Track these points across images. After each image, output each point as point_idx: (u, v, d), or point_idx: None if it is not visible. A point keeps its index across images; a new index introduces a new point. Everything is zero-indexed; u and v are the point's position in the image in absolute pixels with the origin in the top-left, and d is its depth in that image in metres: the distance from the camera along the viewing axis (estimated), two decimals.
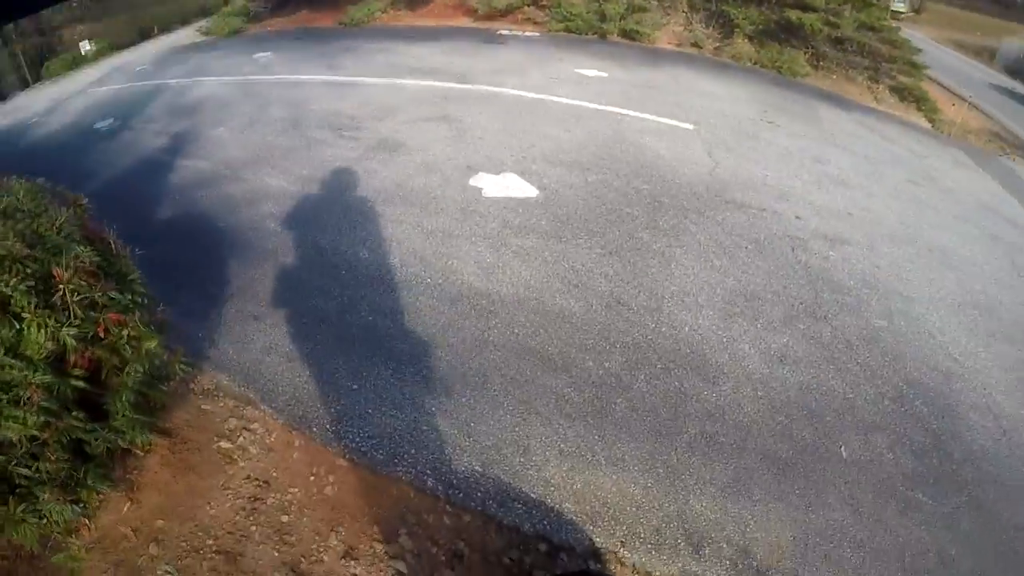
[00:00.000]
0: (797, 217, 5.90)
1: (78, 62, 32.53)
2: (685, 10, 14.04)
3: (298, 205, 5.71)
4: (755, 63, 12.53)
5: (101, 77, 19.27)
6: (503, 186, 5.77)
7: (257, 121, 8.54)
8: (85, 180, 7.82)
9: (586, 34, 13.35)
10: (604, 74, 9.95)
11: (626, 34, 13.24)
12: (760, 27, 13.11)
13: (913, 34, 16.75)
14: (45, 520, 2.29)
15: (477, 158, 6.41)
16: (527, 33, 13.71)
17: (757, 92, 10.31)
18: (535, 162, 6.29)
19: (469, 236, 4.95)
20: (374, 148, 6.84)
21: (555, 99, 8.46)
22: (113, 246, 2.88)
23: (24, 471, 2.23)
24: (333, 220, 5.33)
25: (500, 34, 13.67)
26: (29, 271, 2.34)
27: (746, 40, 13.08)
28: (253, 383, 3.63)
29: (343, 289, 4.37)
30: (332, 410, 3.46)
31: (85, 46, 33.88)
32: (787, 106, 9.85)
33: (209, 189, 6.41)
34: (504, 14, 14.84)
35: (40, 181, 3.08)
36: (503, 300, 4.27)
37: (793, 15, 12.55)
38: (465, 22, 15.22)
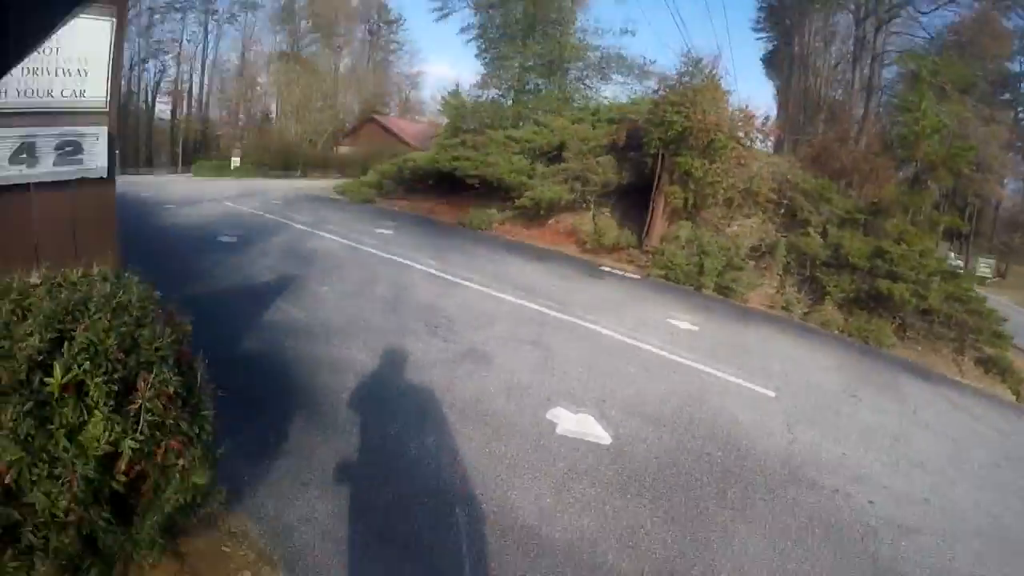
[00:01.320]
0: (870, 502, 5.72)
1: (223, 170, 36.41)
2: (780, 273, 14.54)
3: (379, 387, 6.04)
4: (842, 331, 12.71)
5: (240, 195, 21.20)
6: (578, 426, 5.90)
7: (361, 293, 9.32)
8: (191, 280, 8.80)
9: (683, 283, 13.95)
10: (695, 327, 10.32)
11: (721, 289, 13.80)
12: (850, 295, 13.42)
13: (997, 299, 16.67)
14: None
15: (558, 391, 6.62)
16: (627, 273, 14.39)
17: (842, 361, 10.39)
18: (614, 408, 6.44)
19: (534, 472, 5.04)
20: (462, 355, 7.24)
21: (644, 346, 8.77)
22: (199, 378, 3.12)
23: (33, 538, 2.36)
24: (407, 415, 5.55)
25: (602, 269, 14.41)
26: (116, 375, 2.61)
27: (835, 307, 13.35)
28: (280, 546, 3.69)
29: (398, 488, 4.46)
30: None
31: (235, 160, 38.20)
32: (871, 377, 9.83)
33: (299, 341, 6.91)
34: (609, 250, 15.82)
35: (156, 293, 3.39)
36: (553, 545, 4.25)
37: (883, 285, 12.85)
38: (572, 250, 16.21)
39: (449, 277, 11.14)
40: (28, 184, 3.98)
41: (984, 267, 30.99)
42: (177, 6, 59.89)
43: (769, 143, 21.23)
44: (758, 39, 53.33)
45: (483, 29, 29.57)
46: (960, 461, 7.31)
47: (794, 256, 14.69)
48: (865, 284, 13.47)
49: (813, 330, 12.62)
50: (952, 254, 30.03)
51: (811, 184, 16.26)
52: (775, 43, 51.22)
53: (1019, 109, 43.66)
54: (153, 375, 2.70)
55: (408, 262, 12.05)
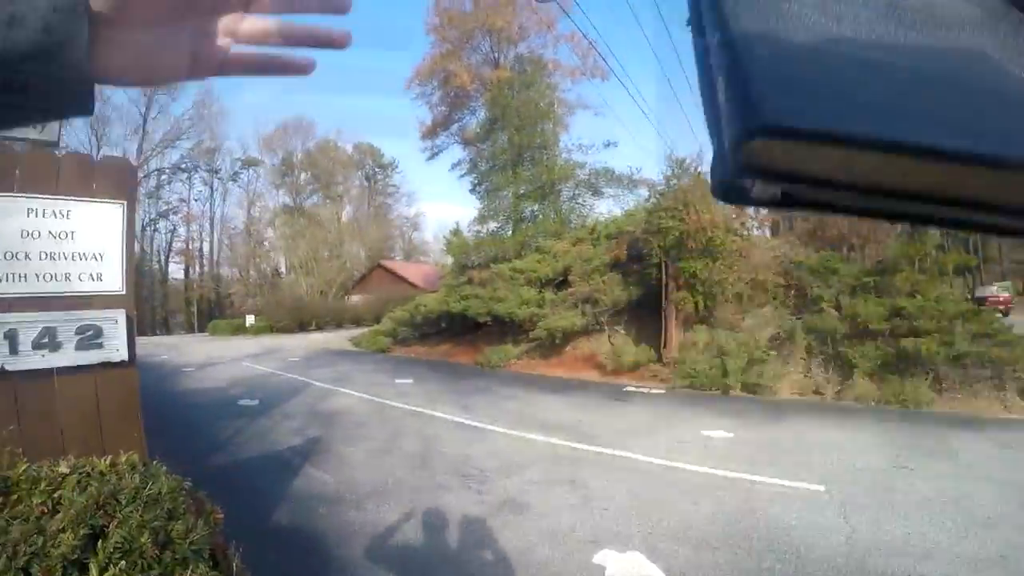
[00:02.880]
0: None
1: (239, 330, 37.00)
2: (803, 357, 14.38)
3: (419, 556, 5.88)
4: (878, 401, 12.44)
5: (257, 354, 21.26)
6: (628, 566, 5.72)
7: (388, 450, 9.25)
8: (213, 452, 8.94)
9: (709, 389, 13.81)
10: (729, 434, 10.17)
11: (748, 388, 13.60)
12: (877, 362, 13.23)
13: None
14: None
15: (602, 531, 6.45)
16: (653, 390, 14.28)
17: (885, 434, 10.15)
18: (662, 539, 6.25)
19: None
20: (499, 506, 7.08)
21: (682, 466, 8.56)
22: (234, 569, 3.12)
23: None
24: None
25: (626, 390, 14.30)
26: (153, 572, 2.60)
27: (866, 378, 13.12)
28: None
29: None
30: None
31: (250, 319, 39.01)
32: (919, 443, 9.56)
33: (330, 507, 6.87)
34: (631, 369, 15.72)
35: (186, 483, 3.44)
36: None
37: (908, 344, 12.66)
38: (593, 375, 16.18)
39: (474, 423, 11.13)
40: (51, 370, 4.12)
41: (1002, 290, 30.56)
42: (182, 167, 63.67)
43: (766, 228, 21.55)
44: None
45: (473, 163, 30.77)
46: None
47: (814, 336, 14.57)
48: (890, 347, 13.37)
49: (849, 408, 12.36)
50: (996, 287, 29.85)
51: (815, 259, 16.35)
52: None
53: None
54: (189, 571, 2.72)
55: (431, 412, 12.09)
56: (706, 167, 17.92)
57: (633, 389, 14.53)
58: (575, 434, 10.21)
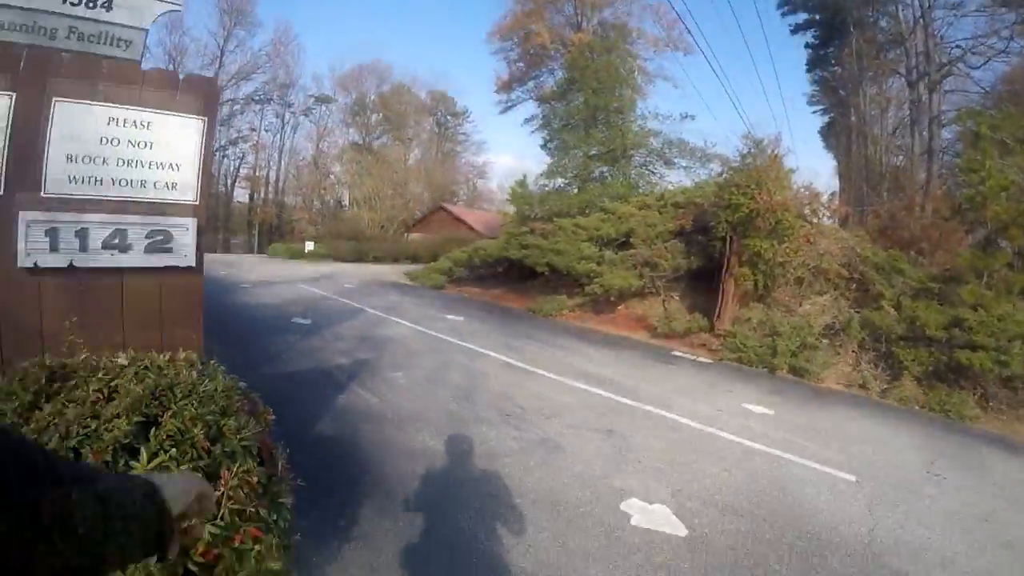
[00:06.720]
0: None
1: (297, 255, 38.27)
2: (854, 350, 14.16)
3: (450, 475, 6.20)
4: (922, 406, 12.23)
5: (313, 278, 21.84)
6: (653, 517, 5.87)
7: (433, 380, 9.60)
8: (267, 362, 9.49)
9: (756, 367, 13.76)
10: (770, 412, 10.17)
11: (795, 371, 13.50)
12: (928, 368, 12.94)
13: None
14: None
15: (632, 482, 6.63)
16: (699, 358, 14.25)
17: (923, 439, 9.99)
18: (689, 499, 6.40)
19: (608, 564, 5.02)
20: (535, 444, 7.35)
21: (720, 433, 8.65)
22: (279, 468, 3.26)
23: None
24: (478, 511, 5.56)
25: (673, 354, 14.35)
26: (202, 463, 2.73)
27: (914, 382, 12.87)
28: None
29: None
30: None
31: (309, 245, 40.25)
32: (954, 454, 9.37)
33: (372, 425, 7.26)
34: (680, 336, 15.77)
35: (241, 383, 3.62)
36: None
37: (962, 355, 12.37)
38: (643, 336, 16.20)
39: (520, 365, 11.32)
40: (120, 270, 4.30)
41: None
42: (256, 98, 65.03)
43: (835, 218, 21.13)
44: (814, 112, 53.33)
45: (547, 120, 30.60)
46: None
47: (868, 332, 14.30)
48: (944, 356, 13.01)
49: (891, 408, 12.17)
50: None
51: (882, 256, 16.00)
52: (831, 116, 51.04)
53: None
54: (237, 465, 2.82)
55: (479, 349, 12.36)
56: (783, 149, 17.57)
57: (679, 355, 14.53)
58: (618, 388, 10.36)
